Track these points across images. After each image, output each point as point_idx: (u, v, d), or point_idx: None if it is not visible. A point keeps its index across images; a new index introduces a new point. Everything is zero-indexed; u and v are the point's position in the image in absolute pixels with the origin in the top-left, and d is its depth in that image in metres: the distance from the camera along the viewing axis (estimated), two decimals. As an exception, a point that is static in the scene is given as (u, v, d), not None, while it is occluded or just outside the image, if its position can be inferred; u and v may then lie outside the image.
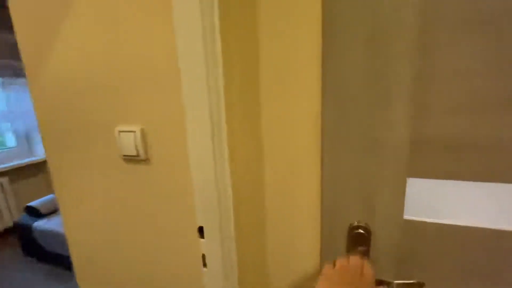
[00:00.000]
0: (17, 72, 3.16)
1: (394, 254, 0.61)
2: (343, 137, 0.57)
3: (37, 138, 3.50)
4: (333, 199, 0.62)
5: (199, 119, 0.58)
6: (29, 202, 2.83)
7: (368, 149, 0.56)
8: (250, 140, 0.65)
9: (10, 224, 3.17)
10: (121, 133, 0.71)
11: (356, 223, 0.61)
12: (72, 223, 0.91)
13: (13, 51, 2.96)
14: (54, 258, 2.56)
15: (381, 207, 0.59)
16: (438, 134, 0.53)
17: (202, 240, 0.68)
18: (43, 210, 2.73)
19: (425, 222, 0.57)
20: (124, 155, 0.73)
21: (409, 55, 0.50)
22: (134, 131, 0.69)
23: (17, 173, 3.30)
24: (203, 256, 0.69)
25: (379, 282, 0.60)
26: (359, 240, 0.61)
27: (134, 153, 0.71)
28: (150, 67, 0.63)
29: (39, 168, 3.52)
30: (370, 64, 0.52)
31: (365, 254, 0.61)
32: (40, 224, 2.58)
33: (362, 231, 0.61)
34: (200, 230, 0.67)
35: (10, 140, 3.41)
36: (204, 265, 0.69)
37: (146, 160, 0.72)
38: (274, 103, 0.61)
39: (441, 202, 0.57)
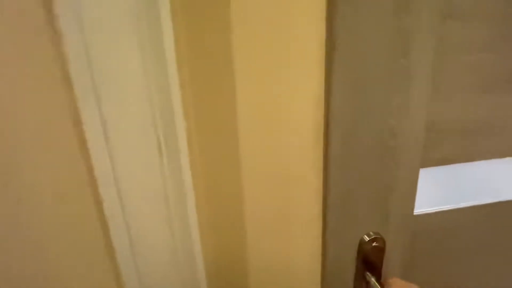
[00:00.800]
0: None
1: (408, 261, 0.50)
2: (354, 128, 0.40)
3: None
4: (341, 208, 0.45)
5: (124, 107, 0.28)
6: None
7: (383, 140, 0.42)
8: (220, 142, 0.39)
9: None
10: None
11: (368, 236, 0.47)
12: None
13: None
14: None
15: (394, 208, 0.46)
16: (453, 118, 0.44)
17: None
18: None
19: (439, 212, 0.48)
20: None
21: (434, 22, 0.37)
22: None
23: None
24: None
25: None
26: (372, 257, 0.47)
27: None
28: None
29: None
30: (392, 29, 0.36)
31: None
32: None
33: (377, 244, 0.46)
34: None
35: None
36: None
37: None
38: (253, 83, 0.37)
39: (452, 187, 0.49)
